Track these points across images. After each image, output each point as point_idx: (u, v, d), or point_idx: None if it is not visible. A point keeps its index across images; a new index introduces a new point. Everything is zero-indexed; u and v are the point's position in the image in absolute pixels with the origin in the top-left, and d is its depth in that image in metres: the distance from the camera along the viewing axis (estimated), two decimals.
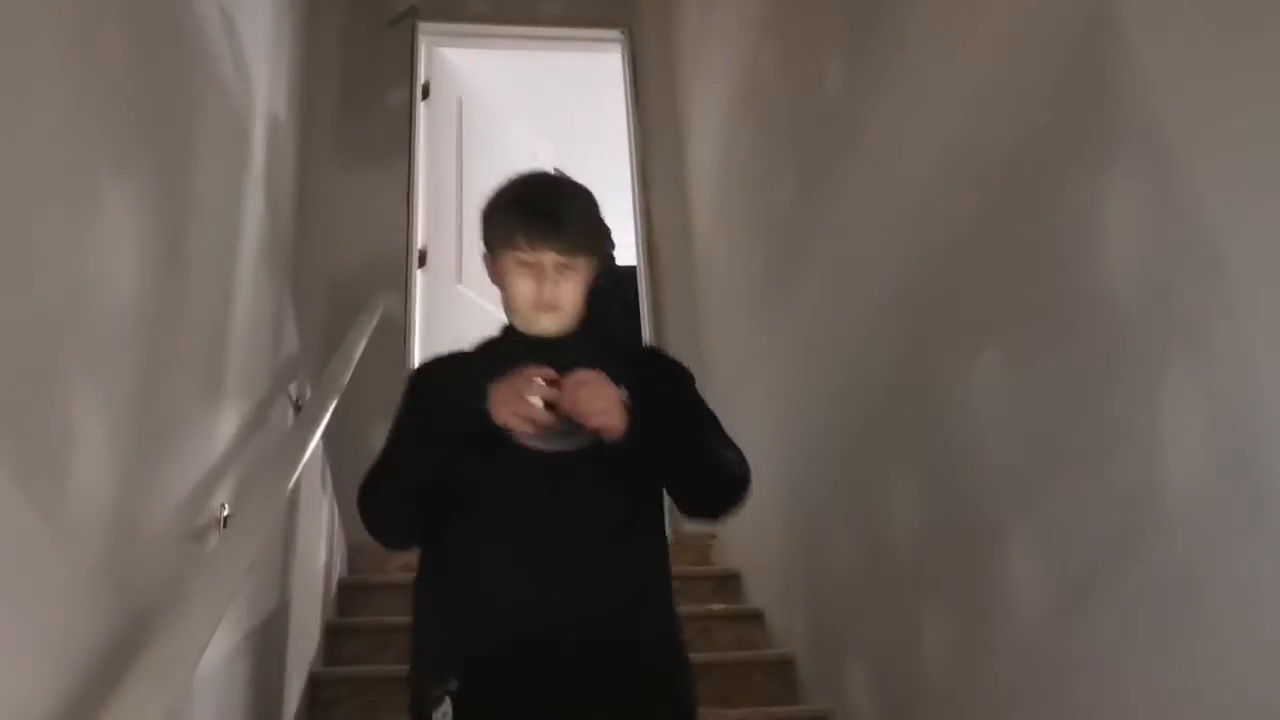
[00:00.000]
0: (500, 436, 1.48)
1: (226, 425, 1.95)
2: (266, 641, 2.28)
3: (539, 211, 1.59)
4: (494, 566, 1.49)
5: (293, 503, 2.42)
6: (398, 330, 4.43)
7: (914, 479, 2.28)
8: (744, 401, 3.40)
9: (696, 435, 1.61)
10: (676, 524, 3.43)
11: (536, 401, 1.44)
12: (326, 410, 2.41)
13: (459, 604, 1.51)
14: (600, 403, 1.46)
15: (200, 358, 1.78)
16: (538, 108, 5.99)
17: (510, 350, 1.60)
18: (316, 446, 2.34)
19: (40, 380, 1.11)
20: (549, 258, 1.58)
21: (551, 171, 1.73)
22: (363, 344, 3.18)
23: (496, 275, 1.65)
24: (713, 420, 1.66)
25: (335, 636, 3.14)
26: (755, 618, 3.37)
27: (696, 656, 1.65)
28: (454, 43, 5.30)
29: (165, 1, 1.64)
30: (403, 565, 3.67)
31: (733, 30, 3.95)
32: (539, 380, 1.45)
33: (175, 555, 1.60)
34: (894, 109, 2.39)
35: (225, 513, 1.84)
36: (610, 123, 5.26)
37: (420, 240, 4.78)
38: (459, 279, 4.83)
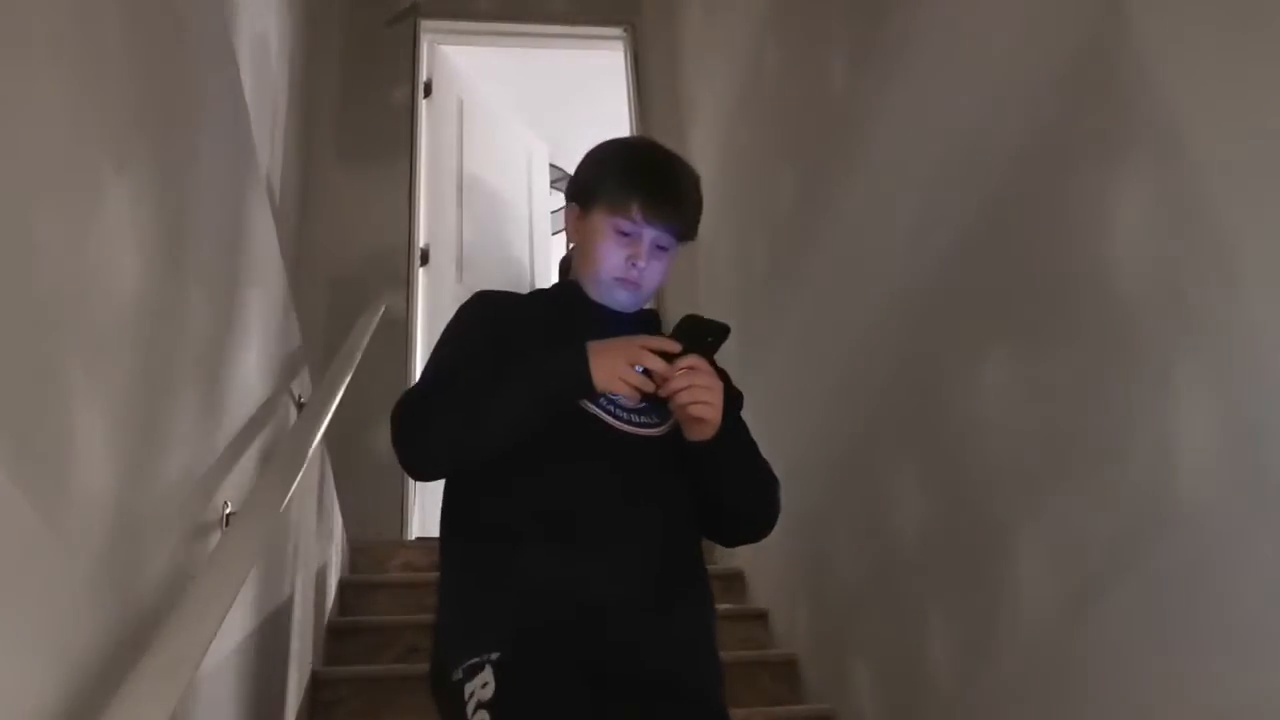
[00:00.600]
0: (578, 404, 1.44)
1: (229, 422, 1.94)
2: (268, 640, 2.27)
3: (664, 188, 1.54)
4: (557, 540, 1.41)
5: (295, 501, 2.41)
6: (399, 329, 4.42)
7: (918, 478, 2.27)
8: (747, 399, 3.38)
9: (756, 453, 1.57)
10: None
11: (648, 382, 1.38)
12: (329, 409, 2.40)
13: (514, 573, 1.40)
14: (710, 394, 1.41)
15: (202, 355, 1.77)
16: (540, 106, 5.99)
17: (579, 313, 1.56)
18: (319, 445, 2.33)
19: (41, 377, 1.10)
20: (652, 235, 1.53)
21: (663, 148, 1.65)
22: (365, 342, 3.17)
23: (581, 233, 1.58)
24: (754, 444, 1.60)
25: (336, 636, 3.14)
26: (759, 617, 3.36)
27: None
28: (456, 40, 5.30)
29: None
30: (403, 564, 3.68)
31: (736, 28, 3.94)
32: (653, 350, 1.39)
33: (178, 553, 1.59)
34: (899, 106, 2.38)
35: (228, 510, 1.83)
36: (612, 121, 5.25)
37: (422, 239, 4.78)
38: (460, 278, 4.83)
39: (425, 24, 5.13)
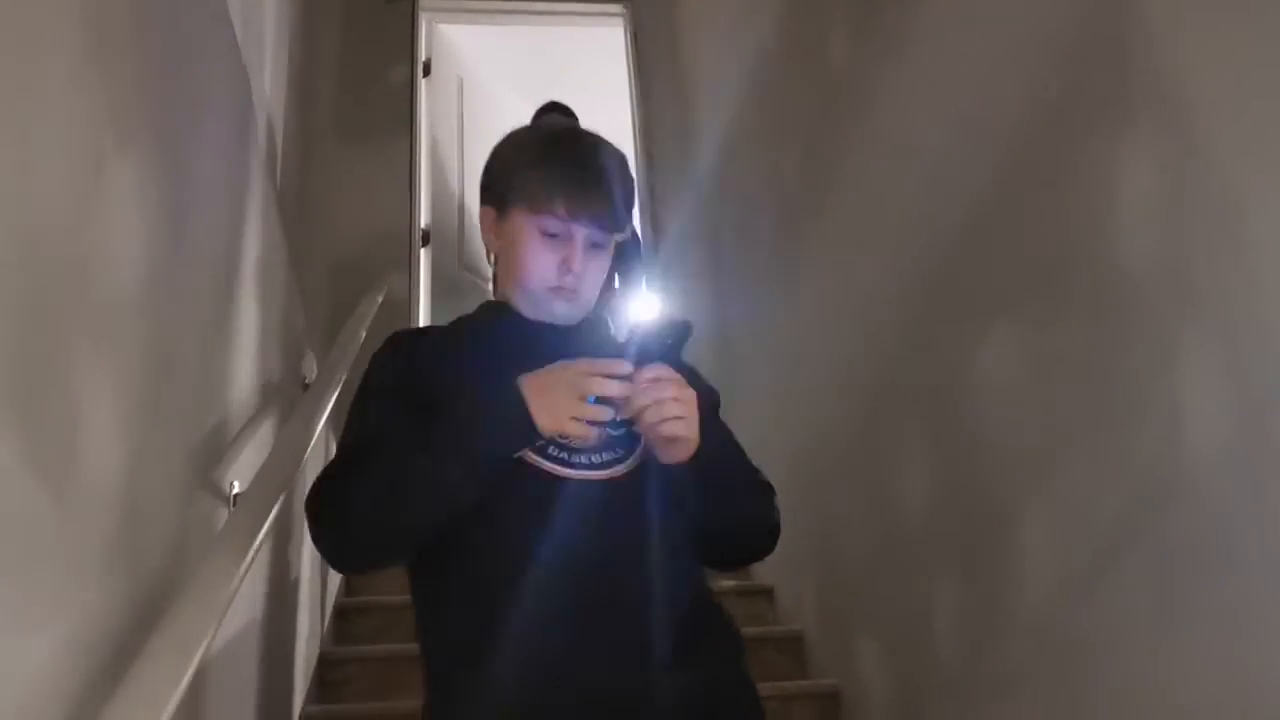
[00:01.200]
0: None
1: (235, 403, 1.93)
2: (275, 621, 2.27)
3: (585, 176, 1.32)
4: (512, 640, 1.16)
5: (302, 481, 2.41)
6: (402, 310, 4.41)
7: (926, 453, 2.27)
8: (754, 374, 3.38)
9: (749, 468, 1.36)
10: None
11: (598, 403, 1.15)
12: (334, 389, 2.40)
13: (469, 683, 1.18)
14: (681, 406, 1.18)
15: (207, 334, 1.77)
16: (540, 84, 5.95)
17: (512, 337, 1.33)
18: (324, 426, 2.33)
19: (47, 358, 1.09)
20: (584, 232, 1.31)
21: (585, 131, 1.42)
22: (368, 324, 3.16)
23: (502, 239, 1.37)
24: (740, 449, 1.39)
25: (344, 616, 3.14)
26: (765, 593, 3.36)
27: None
28: (455, 19, 5.27)
29: None
30: None
31: (737, 2, 3.91)
32: (603, 374, 1.15)
33: (185, 533, 1.59)
34: (904, 78, 2.36)
35: (235, 491, 1.83)
36: (613, 98, 5.24)
37: (423, 219, 4.76)
38: (461, 259, 4.82)
39: (423, 2, 5.10)
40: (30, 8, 1.06)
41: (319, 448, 2.71)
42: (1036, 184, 1.79)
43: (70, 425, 1.14)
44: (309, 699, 2.66)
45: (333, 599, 3.13)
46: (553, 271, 1.32)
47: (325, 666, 2.84)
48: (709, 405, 1.32)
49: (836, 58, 2.78)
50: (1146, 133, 1.50)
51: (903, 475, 2.36)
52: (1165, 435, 1.46)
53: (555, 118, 1.43)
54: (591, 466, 1.24)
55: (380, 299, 3.55)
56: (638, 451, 1.27)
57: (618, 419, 1.19)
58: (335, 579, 3.20)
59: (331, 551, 1.23)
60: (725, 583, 3.44)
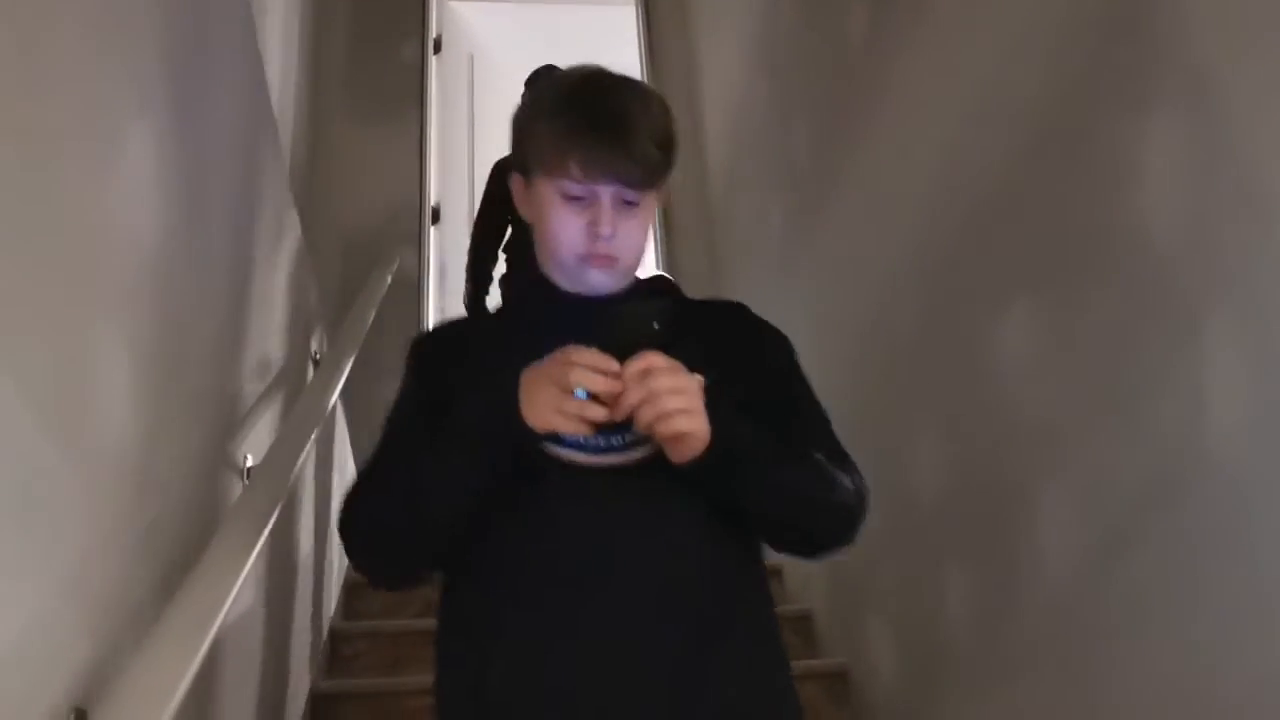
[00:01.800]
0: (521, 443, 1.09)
1: (248, 377, 1.93)
2: (288, 594, 2.28)
3: (603, 127, 1.16)
4: (521, 644, 1.08)
5: (312, 456, 2.41)
6: (411, 286, 4.41)
7: (938, 432, 2.26)
8: None
9: (806, 461, 1.18)
10: None
11: (585, 397, 1.04)
12: (345, 365, 2.40)
13: (479, 695, 1.10)
14: (681, 398, 1.04)
15: (221, 307, 1.76)
16: (549, 63, 5.93)
17: (540, 318, 1.22)
18: (335, 401, 2.33)
19: (66, 328, 1.09)
20: (610, 191, 1.16)
21: (609, 69, 1.25)
22: (378, 300, 3.16)
23: (531, 209, 1.24)
24: (823, 421, 1.28)
25: (355, 591, 3.15)
26: (774, 573, 3.36)
27: None
28: None
29: None
30: None
31: None
32: (588, 367, 1.04)
33: (200, 506, 1.59)
34: (921, 57, 2.34)
35: (248, 464, 1.83)
36: None
37: (433, 196, 4.75)
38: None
39: None
40: None
41: (329, 423, 2.71)
42: (1061, 158, 1.77)
43: (89, 396, 1.14)
44: (320, 673, 2.67)
45: (342, 574, 3.13)
46: (581, 238, 1.17)
47: (336, 641, 2.85)
48: (773, 367, 1.27)
49: (854, 34, 2.76)
50: (1174, 107, 1.48)
51: (915, 452, 2.35)
52: (1187, 415, 1.45)
53: (578, 66, 1.25)
54: (607, 452, 1.13)
55: (390, 276, 3.54)
56: None
57: (615, 416, 1.05)
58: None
59: (364, 569, 1.19)
60: None
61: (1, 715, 0.94)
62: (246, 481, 1.80)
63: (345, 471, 3.17)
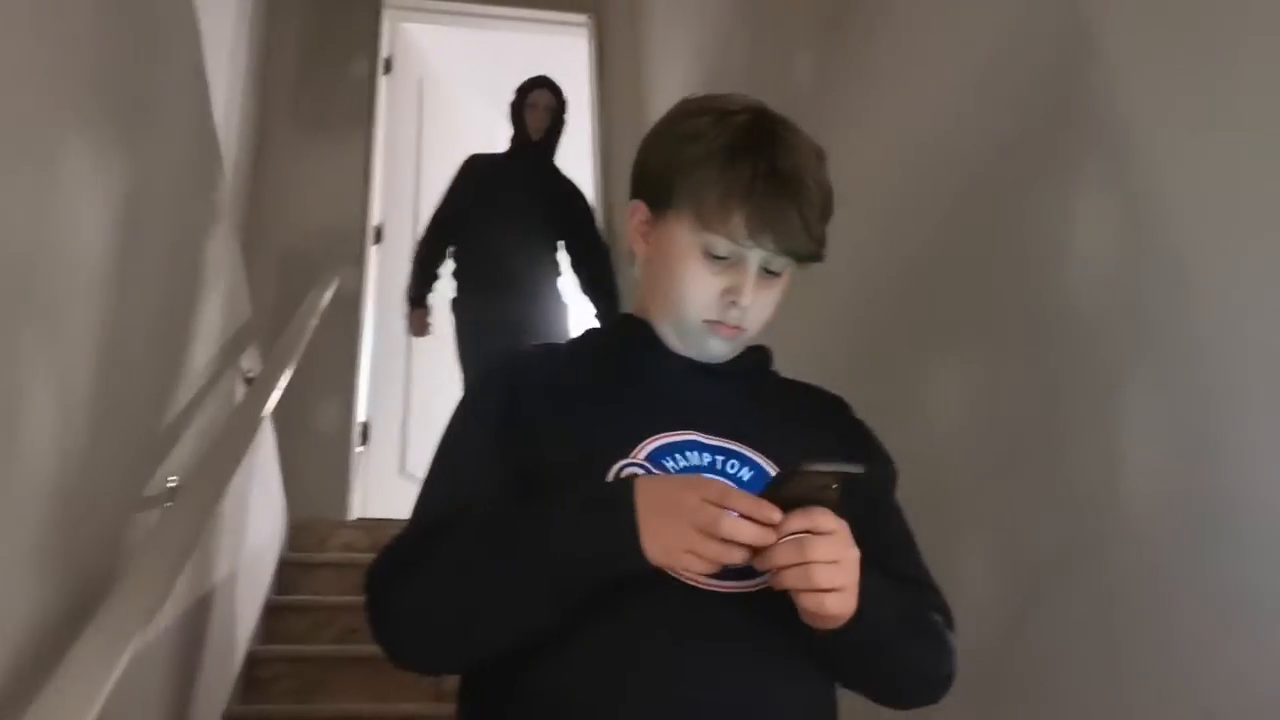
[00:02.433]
0: None
1: (177, 395, 1.90)
2: (207, 616, 2.24)
3: (780, 190, 1.01)
4: None
5: (240, 477, 2.38)
6: (351, 306, 4.38)
7: None
8: None
9: (931, 632, 1.07)
10: None
11: (733, 552, 0.88)
12: (277, 385, 2.38)
13: None
14: (832, 575, 0.88)
15: (152, 326, 1.74)
16: (501, 90, 5.93)
17: (647, 372, 1.08)
18: (266, 421, 2.30)
19: None
20: (760, 257, 1.04)
21: (779, 118, 1.12)
22: (315, 319, 3.13)
23: (654, 247, 1.09)
24: (917, 550, 1.19)
25: (274, 614, 3.10)
26: None
27: None
28: (419, 18, 5.25)
29: None
30: (343, 544, 3.64)
31: (701, 18, 3.94)
32: (744, 515, 0.87)
33: (123, 528, 1.56)
34: (863, 108, 2.39)
35: (173, 484, 1.81)
36: (574, 110, 5.24)
37: (376, 216, 4.73)
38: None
39: (388, 0, 5.07)
40: None
41: (259, 443, 2.68)
42: (994, 218, 1.82)
43: (13, 414, 1.12)
44: (234, 698, 2.62)
45: (264, 596, 3.09)
46: (715, 302, 1.04)
47: (254, 664, 2.80)
48: (874, 498, 1.12)
49: (800, 80, 2.81)
50: (1102, 177, 1.53)
51: None
52: (1103, 477, 1.48)
53: (738, 98, 1.11)
54: (730, 576, 0.94)
55: (329, 295, 3.51)
56: None
57: (754, 568, 0.90)
58: (267, 575, 3.15)
59: (385, 646, 0.99)
60: None
61: None
62: (169, 504, 1.77)
63: (271, 491, 3.13)
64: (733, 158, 1.02)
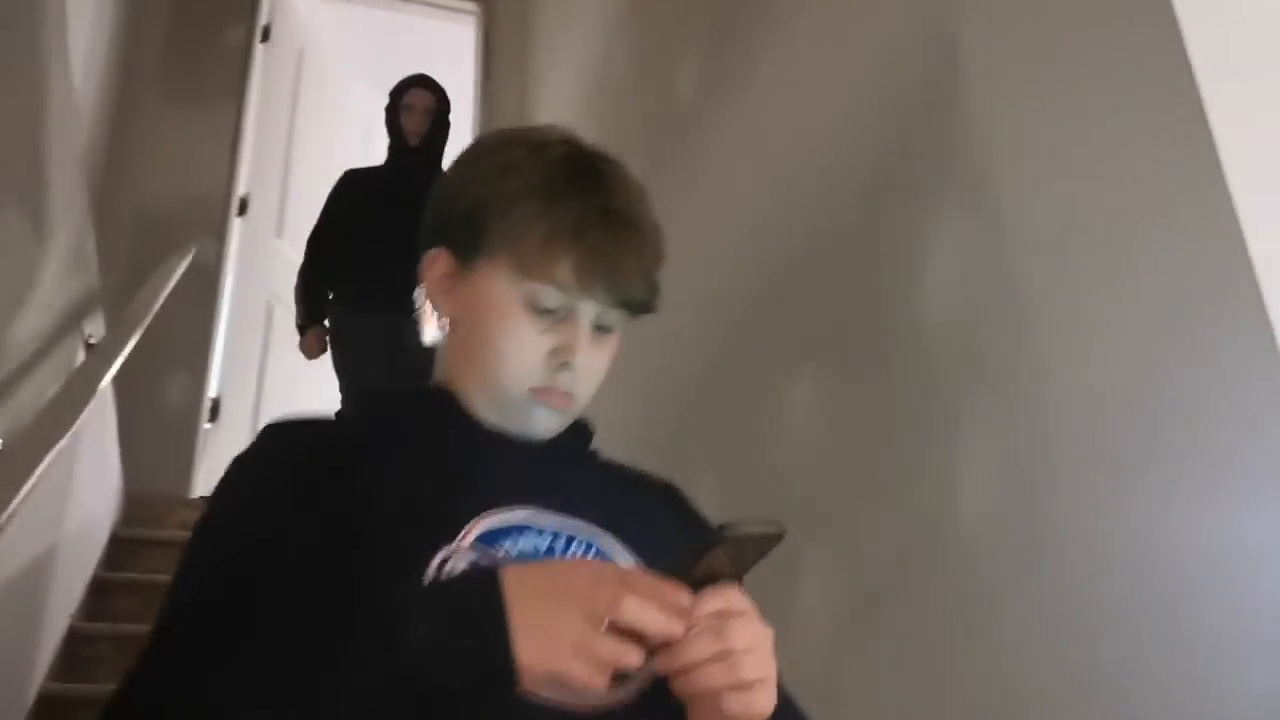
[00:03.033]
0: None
1: (6, 355, 1.81)
2: (25, 587, 2.14)
3: (614, 230, 0.88)
4: None
5: (71, 445, 2.28)
6: (209, 278, 4.24)
7: (718, 485, 2.32)
8: None
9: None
10: None
11: (630, 652, 0.69)
12: (121, 352, 2.28)
13: None
14: (756, 666, 0.74)
15: None
16: (385, 70, 5.82)
17: (460, 456, 0.88)
18: (105, 389, 2.21)
19: None
20: (595, 311, 0.89)
21: (602, 153, 0.97)
22: (169, 287, 3.03)
23: (461, 303, 0.92)
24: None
25: (103, 591, 2.98)
26: None
27: None
28: None
29: None
30: (180, 523, 3.51)
31: (589, 21, 3.94)
32: (647, 600, 0.70)
33: None
34: (739, 123, 2.42)
35: None
36: (458, 98, 5.17)
37: (242, 188, 4.59)
38: (279, 232, 4.66)
39: None
40: None
41: (96, 411, 2.57)
42: (852, 245, 1.86)
43: None
44: (51, 675, 2.51)
45: (90, 571, 2.96)
46: (541, 366, 0.88)
47: (76, 641, 2.68)
48: None
49: (682, 93, 2.83)
50: (956, 209, 1.58)
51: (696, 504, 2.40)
52: (937, 503, 1.53)
53: (552, 129, 0.96)
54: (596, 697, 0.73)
55: (185, 264, 3.39)
56: (648, 671, 0.73)
57: (653, 672, 0.72)
58: (96, 550, 3.03)
59: None
60: None
61: None
62: None
63: (105, 463, 3.01)
64: (557, 193, 0.87)
